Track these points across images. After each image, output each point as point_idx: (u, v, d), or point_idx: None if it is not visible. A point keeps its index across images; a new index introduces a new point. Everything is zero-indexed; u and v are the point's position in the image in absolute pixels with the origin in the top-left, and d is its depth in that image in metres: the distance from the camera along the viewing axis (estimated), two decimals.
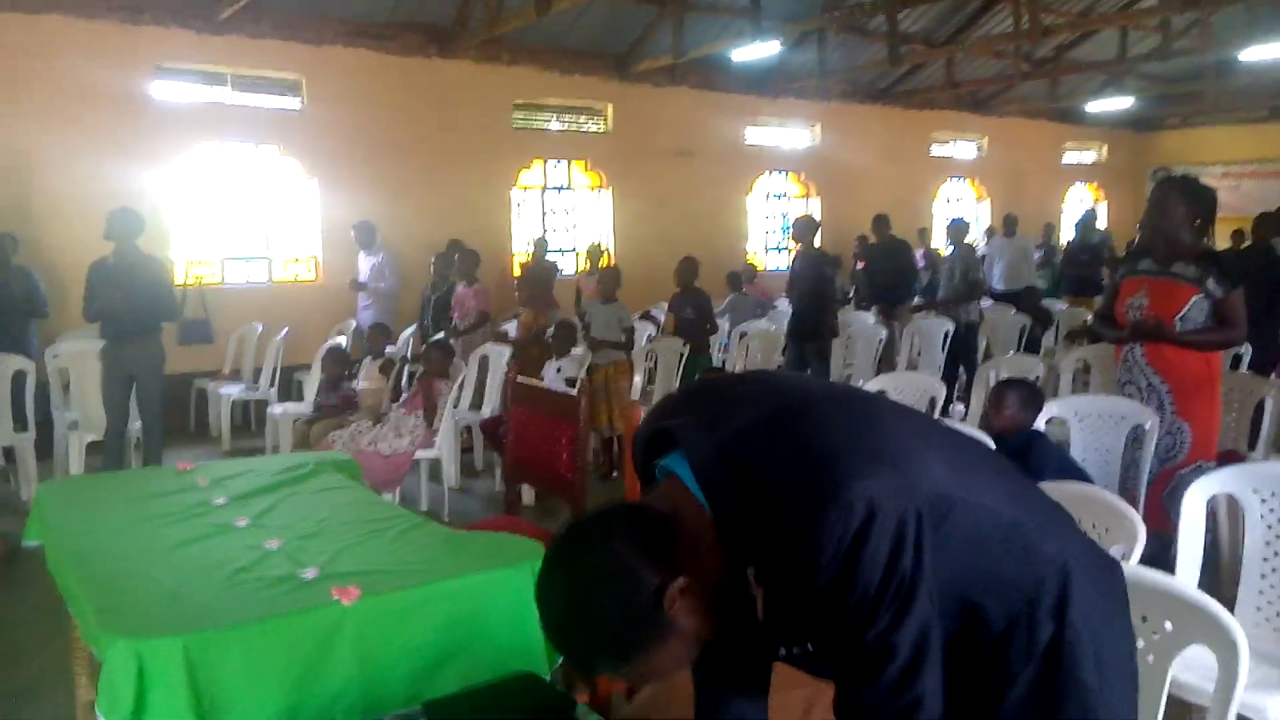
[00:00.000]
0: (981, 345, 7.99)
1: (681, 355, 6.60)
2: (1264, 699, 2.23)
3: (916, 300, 8.92)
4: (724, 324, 8.56)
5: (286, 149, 8.94)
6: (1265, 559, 2.54)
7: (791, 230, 7.38)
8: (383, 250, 8.36)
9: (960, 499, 1.19)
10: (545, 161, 10.74)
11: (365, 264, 8.40)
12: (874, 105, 13.13)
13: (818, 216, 12.82)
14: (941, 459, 1.21)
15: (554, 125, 10.78)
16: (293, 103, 8.99)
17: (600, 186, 11.11)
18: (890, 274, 8.34)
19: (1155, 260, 3.63)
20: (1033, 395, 3.57)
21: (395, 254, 8.48)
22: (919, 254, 11.17)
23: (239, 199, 8.93)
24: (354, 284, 8.29)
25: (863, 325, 8.05)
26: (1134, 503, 3.55)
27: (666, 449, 1.23)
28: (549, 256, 9.13)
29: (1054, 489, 2.53)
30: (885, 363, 7.81)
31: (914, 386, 4.69)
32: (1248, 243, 7.66)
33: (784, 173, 12.76)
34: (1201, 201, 3.59)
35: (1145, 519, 3.43)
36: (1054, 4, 11.32)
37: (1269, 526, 2.54)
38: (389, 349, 6.90)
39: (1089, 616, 1.25)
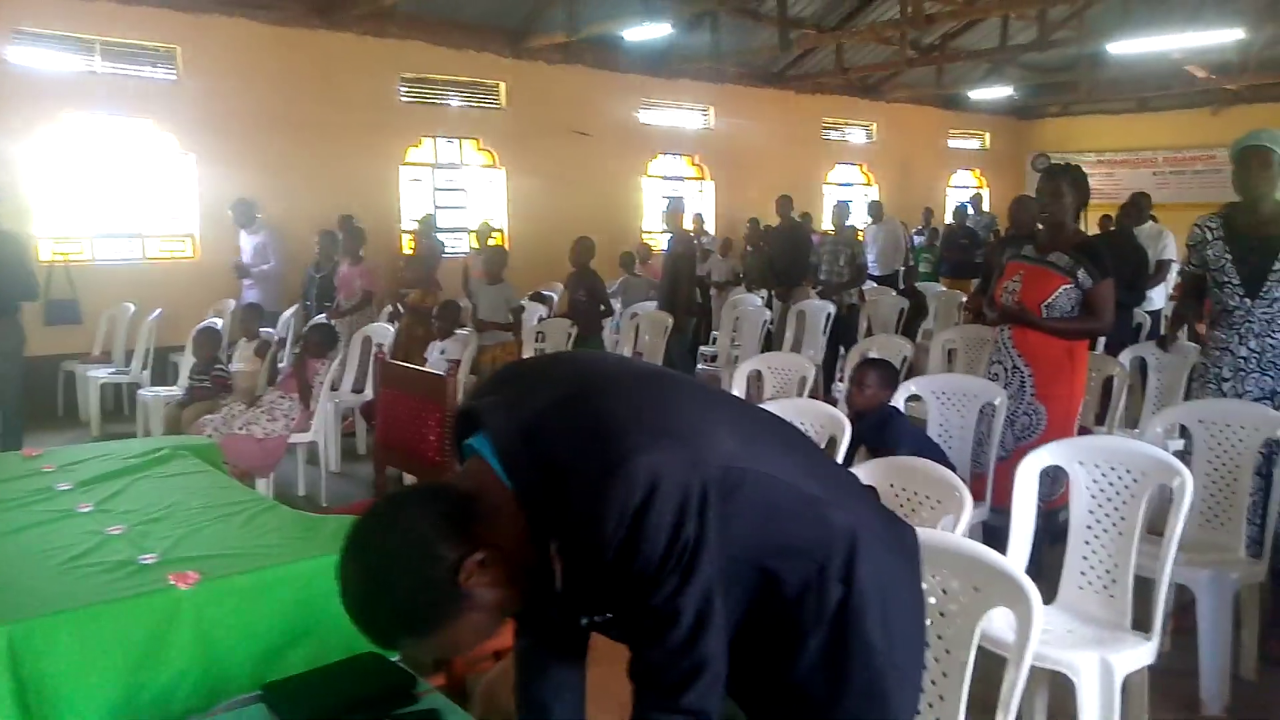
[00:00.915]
0: (862, 327, 8.23)
1: (570, 336, 6.62)
2: (1079, 656, 2.40)
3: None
4: (616, 305, 8.61)
5: (161, 122, 8.57)
6: (1089, 526, 2.71)
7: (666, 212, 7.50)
8: (264, 229, 8.12)
9: (753, 471, 1.26)
10: (436, 139, 10.57)
11: (247, 243, 8.15)
12: (767, 89, 13.31)
13: (711, 199, 13.07)
14: (735, 434, 1.28)
15: (446, 101, 10.60)
16: (167, 74, 8.61)
17: (494, 165, 11.00)
18: (789, 256, 8.51)
19: (1037, 247, 3.83)
20: (889, 374, 3.73)
21: (277, 232, 8.25)
22: (815, 238, 11.43)
23: (110, 174, 8.53)
24: (238, 267, 8.03)
25: (749, 307, 8.19)
26: (984, 475, 3.76)
27: (474, 429, 1.27)
28: (439, 235, 9.01)
29: (894, 463, 2.68)
30: (775, 344, 7.99)
31: (787, 366, 4.81)
32: (1111, 228, 8.08)
33: (679, 155, 12.85)
34: (1084, 190, 3.81)
35: (998, 493, 3.66)
36: None
37: (1092, 496, 2.71)
38: (268, 330, 6.73)
39: (877, 581, 1.34)
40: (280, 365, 6.58)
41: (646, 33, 9.07)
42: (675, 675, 1.19)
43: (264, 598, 2.05)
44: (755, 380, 4.87)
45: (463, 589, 1.17)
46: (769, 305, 8.34)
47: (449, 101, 10.61)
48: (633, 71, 11.64)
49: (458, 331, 6.02)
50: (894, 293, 8.91)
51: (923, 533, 1.97)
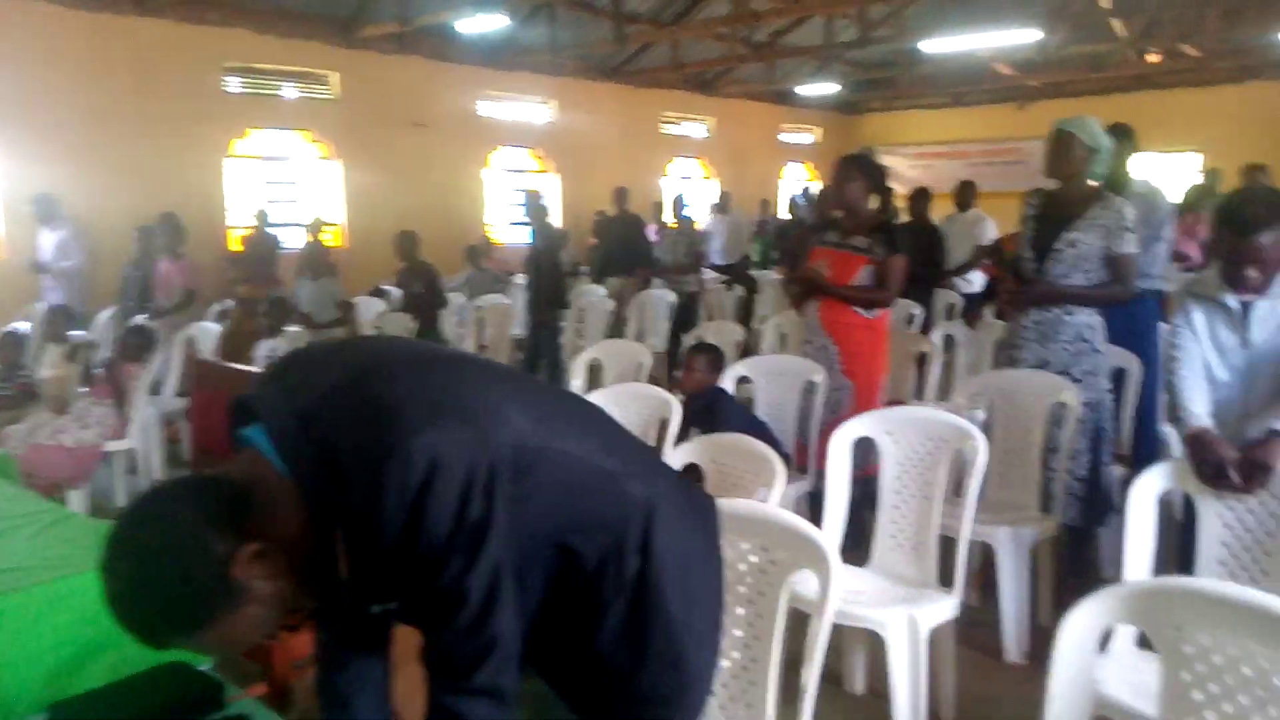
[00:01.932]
0: (703, 315, 8.42)
1: (409, 331, 6.47)
2: (888, 613, 2.55)
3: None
4: (461, 299, 8.49)
5: None
6: (897, 492, 2.88)
7: (526, 207, 7.45)
8: (66, 225, 7.58)
9: (548, 449, 1.27)
10: (266, 130, 10.12)
11: (49, 240, 7.58)
12: (607, 83, 13.40)
13: (556, 192, 13.05)
14: (527, 413, 1.28)
15: (275, 92, 10.16)
16: None
17: (329, 157, 10.62)
18: (624, 246, 8.61)
19: (840, 233, 4.01)
20: (716, 358, 3.85)
21: (81, 228, 7.71)
22: (653, 229, 11.59)
23: None
24: (34, 265, 7.46)
25: (594, 298, 8.24)
26: (806, 448, 3.92)
27: (251, 419, 1.23)
28: (272, 230, 8.64)
29: (716, 441, 2.76)
30: (615, 333, 8.08)
31: (625, 354, 4.88)
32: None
33: (521, 147, 12.77)
34: (875, 175, 4.01)
35: (817, 464, 3.82)
36: None
37: (898, 463, 2.88)
38: (79, 333, 6.29)
39: (674, 550, 1.38)
40: (96, 370, 6.16)
41: (481, 24, 8.96)
42: (466, 656, 1.19)
43: (55, 612, 1.93)
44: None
45: (237, 582, 1.13)
46: (611, 295, 8.41)
47: (278, 92, 10.17)
48: (470, 63, 11.49)
49: (287, 329, 5.80)
50: (731, 281, 9.14)
51: (734, 503, 2.07)
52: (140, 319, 6.35)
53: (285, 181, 10.42)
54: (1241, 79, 13.98)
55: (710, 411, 3.59)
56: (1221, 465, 2.20)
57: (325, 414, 1.17)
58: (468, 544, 1.15)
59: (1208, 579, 2.14)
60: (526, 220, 7.31)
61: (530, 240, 7.11)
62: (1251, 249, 2.32)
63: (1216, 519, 2.24)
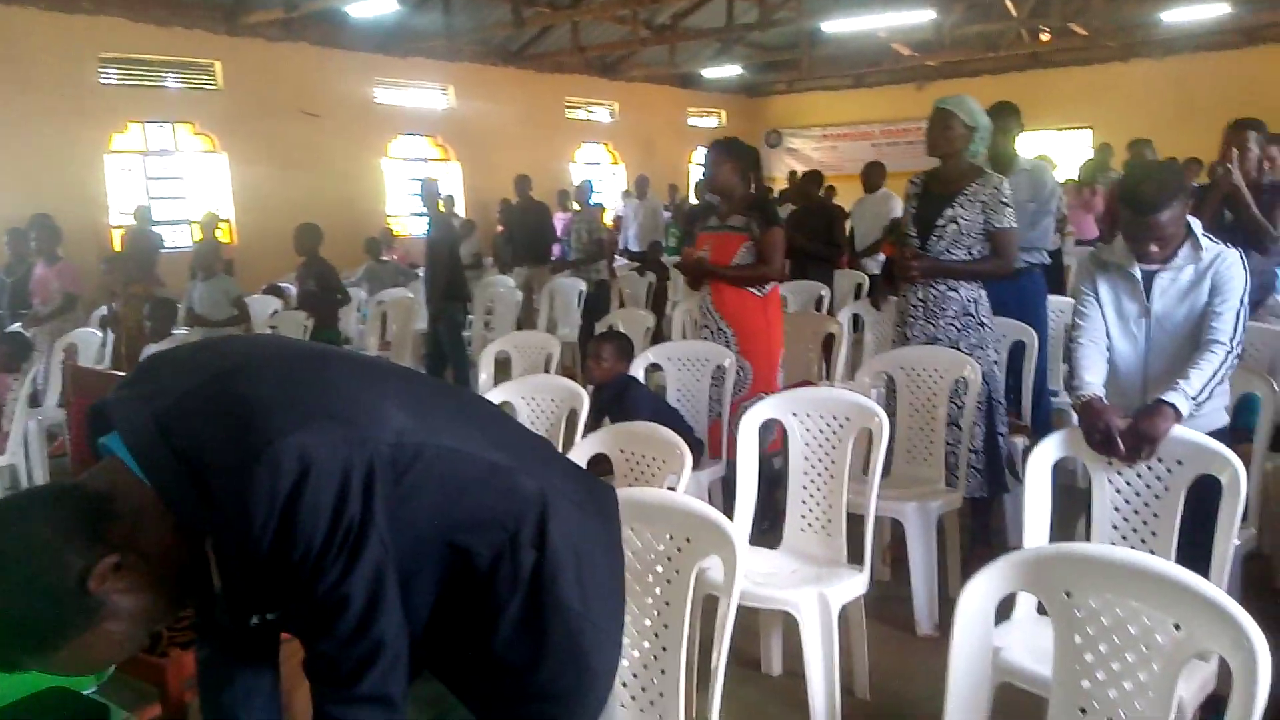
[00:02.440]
0: (615, 302, 8.37)
1: (306, 329, 6.27)
2: (799, 593, 2.55)
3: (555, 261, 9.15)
4: (361, 293, 8.26)
5: None
6: (805, 472, 2.88)
7: (422, 195, 7.26)
8: None
9: (430, 445, 1.21)
10: (146, 124, 9.67)
11: None
12: (507, 68, 13.21)
13: (458, 180, 12.82)
14: (408, 409, 1.22)
15: (155, 83, 9.71)
16: None
17: (214, 150, 10.21)
18: (528, 234, 8.50)
19: (719, 216, 4.02)
20: (624, 346, 3.81)
21: None
22: (560, 217, 11.49)
23: None
24: None
25: (502, 289, 8.12)
26: (719, 431, 3.91)
27: (109, 426, 1.14)
28: (154, 228, 8.27)
29: (623, 429, 2.72)
30: (526, 324, 7.98)
31: (533, 345, 4.79)
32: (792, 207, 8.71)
33: (421, 135, 12.50)
34: (744, 156, 4.02)
35: (728, 446, 3.81)
36: None
37: (806, 444, 2.88)
38: None
39: (571, 543, 1.33)
40: None
41: (371, 8, 8.71)
42: (350, 663, 1.13)
43: None
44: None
45: (94, 597, 1.05)
46: (519, 285, 8.31)
47: (158, 83, 9.72)
48: (363, 49, 11.19)
49: (175, 332, 5.54)
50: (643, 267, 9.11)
51: (639, 492, 2.04)
52: (14, 327, 5.99)
53: (169, 177, 9.98)
54: (1127, 57, 14.55)
55: (620, 400, 3.55)
56: (1110, 433, 2.25)
57: (185, 418, 1.10)
58: (346, 548, 1.09)
59: (1096, 544, 2.19)
60: (424, 210, 7.12)
61: (427, 231, 6.94)
62: (1152, 226, 2.38)
63: (1109, 485, 2.29)
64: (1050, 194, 4.31)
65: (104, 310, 6.88)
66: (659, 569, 1.88)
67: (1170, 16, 11.36)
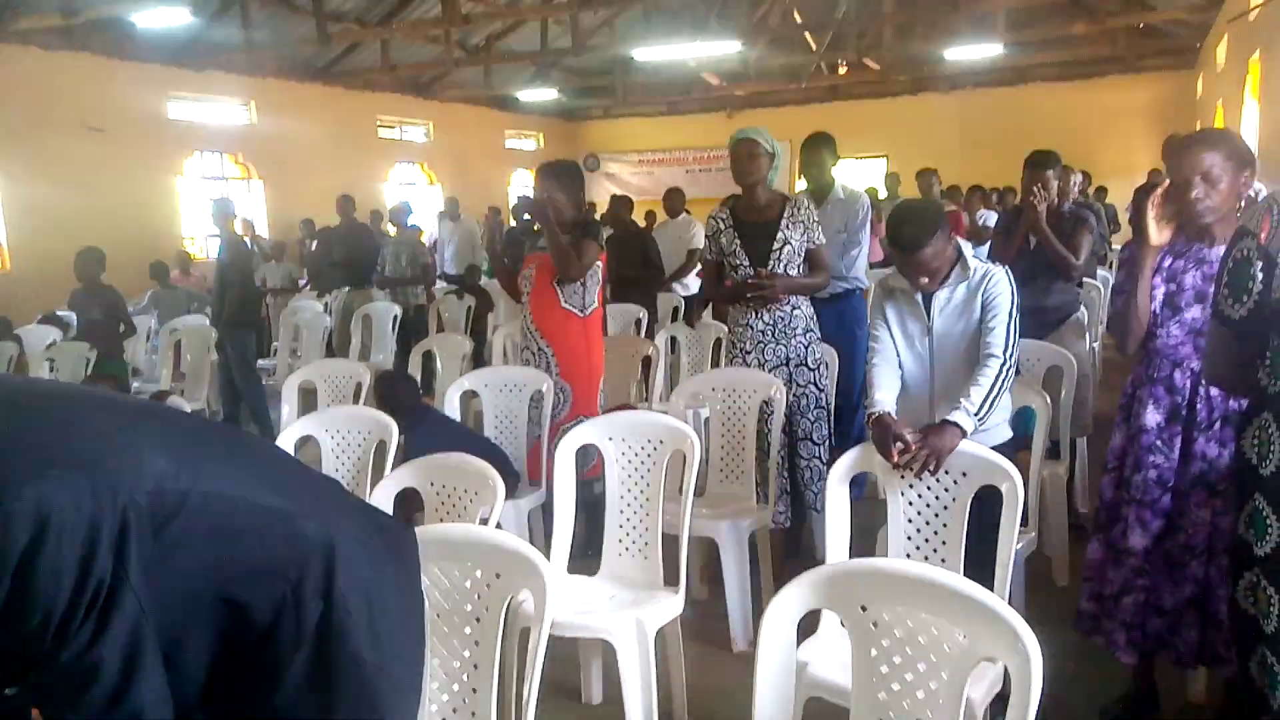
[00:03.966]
0: (432, 326, 8.16)
1: (88, 362, 5.76)
2: (614, 619, 2.53)
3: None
4: (151, 321, 7.69)
5: None
6: (621, 496, 2.87)
7: (213, 215, 6.80)
8: None
9: (196, 492, 1.11)
10: None
11: None
12: (314, 84, 12.73)
13: (260, 199, 12.21)
14: (169, 453, 1.11)
15: None
16: None
17: None
18: (350, 256, 8.16)
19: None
20: (402, 386, 3.78)
21: None
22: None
23: None
24: None
25: (308, 314, 7.76)
26: (539, 456, 3.86)
27: None
28: None
29: (432, 462, 2.62)
30: (340, 350, 7.66)
31: (341, 374, 4.59)
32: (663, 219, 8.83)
33: (220, 152, 11.83)
34: (575, 179, 4.01)
35: (548, 471, 3.76)
36: None
37: (621, 468, 2.88)
38: None
39: (362, 590, 1.25)
40: None
41: (162, 19, 8.15)
42: None
43: None
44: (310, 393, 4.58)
45: None
46: (328, 310, 7.96)
47: None
48: (155, 60, 10.48)
49: None
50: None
51: (444, 528, 1.97)
52: None
53: None
54: (916, 90, 15.68)
55: (414, 431, 3.46)
56: (900, 444, 2.36)
57: None
58: (95, 611, 0.98)
59: (889, 559, 2.29)
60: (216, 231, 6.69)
61: (219, 253, 6.53)
62: (916, 262, 2.56)
63: (901, 497, 2.41)
64: (861, 224, 4.50)
65: None
66: (468, 607, 1.81)
67: (952, 54, 12.31)
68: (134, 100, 10.47)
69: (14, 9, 8.92)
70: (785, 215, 3.58)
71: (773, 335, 3.63)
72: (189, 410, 4.29)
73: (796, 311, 3.64)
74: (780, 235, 3.57)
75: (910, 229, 2.54)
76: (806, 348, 3.65)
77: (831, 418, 3.79)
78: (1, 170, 9.31)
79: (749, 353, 3.67)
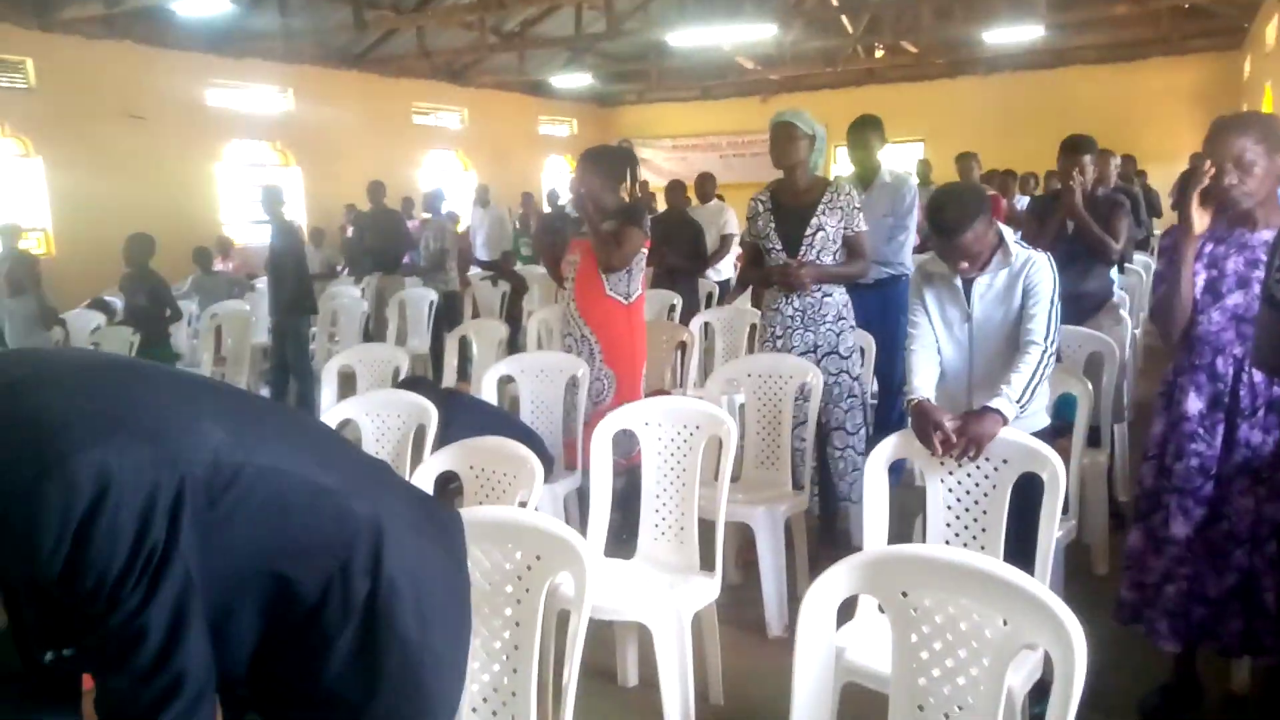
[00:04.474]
0: (467, 312, 8.22)
1: (132, 346, 5.87)
2: (651, 604, 2.55)
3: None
4: (192, 306, 7.81)
5: None
6: (658, 481, 2.89)
7: (262, 202, 6.89)
8: None
9: (250, 466, 1.13)
10: None
11: None
12: (350, 71, 12.82)
13: (299, 186, 12.34)
14: (226, 426, 1.14)
15: None
16: None
17: (28, 154, 9.46)
18: (381, 242, 8.25)
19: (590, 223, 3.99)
20: (426, 387, 3.79)
21: None
22: (413, 224, 11.21)
23: None
24: None
25: (346, 299, 7.84)
26: (574, 441, 3.88)
27: None
28: None
29: (471, 445, 2.65)
30: (377, 335, 7.74)
31: (379, 359, 4.64)
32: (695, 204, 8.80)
33: (258, 140, 11.96)
34: (615, 165, 4.00)
35: (585, 456, 3.79)
36: None
37: (658, 453, 2.89)
38: None
39: (408, 569, 1.27)
40: None
41: (201, 7, 8.24)
42: (145, 701, 1.04)
43: None
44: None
45: None
46: (364, 295, 8.04)
47: None
48: (194, 49, 10.62)
49: None
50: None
51: (486, 510, 1.99)
52: None
53: None
54: (954, 74, 15.46)
55: (455, 419, 3.48)
56: (940, 431, 2.36)
57: None
58: (146, 576, 1.01)
59: (929, 545, 2.28)
60: (266, 218, 6.76)
61: (271, 239, 6.62)
62: (957, 246, 2.53)
63: (941, 485, 2.40)
64: (908, 209, 4.46)
65: None
66: (508, 589, 1.83)
67: (991, 37, 12.12)
68: (174, 88, 10.62)
69: (59, 1, 9.07)
70: (823, 200, 3.56)
71: (801, 321, 3.62)
72: None
73: (828, 299, 3.61)
74: (815, 220, 3.55)
75: (952, 212, 2.51)
76: (838, 335, 3.63)
77: (866, 407, 3.76)
78: (46, 158, 9.50)
79: (780, 337, 3.67)
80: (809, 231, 3.55)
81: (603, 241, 3.74)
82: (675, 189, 7.20)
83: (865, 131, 4.49)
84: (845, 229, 3.57)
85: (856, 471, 3.58)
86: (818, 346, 3.61)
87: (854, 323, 3.70)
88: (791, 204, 3.62)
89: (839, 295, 3.66)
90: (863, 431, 3.66)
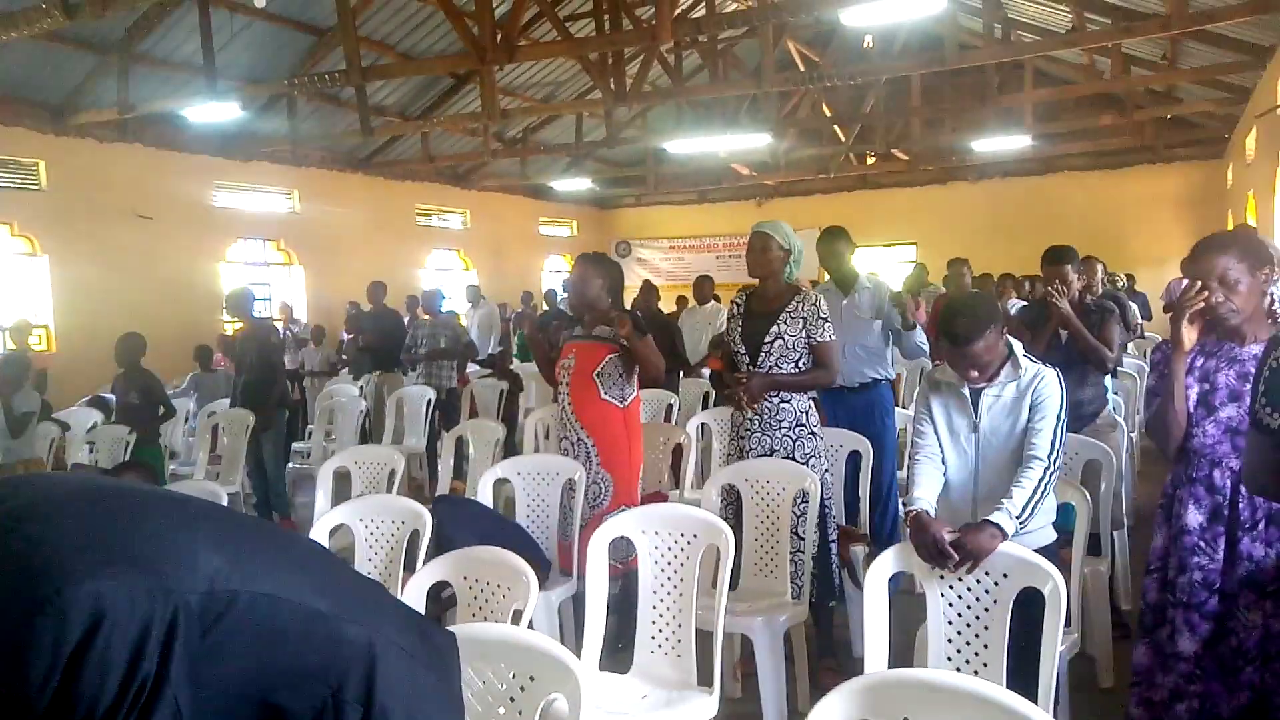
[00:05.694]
0: (465, 410, 8.21)
1: (127, 444, 5.85)
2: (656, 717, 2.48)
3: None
4: (190, 404, 7.81)
5: None
6: (654, 591, 2.84)
7: (225, 305, 6.91)
8: None
9: (245, 593, 1.11)
10: None
11: None
12: (355, 174, 13.12)
13: (301, 285, 12.49)
14: (223, 553, 1.13)
15: None
16: None
17: (34, 252, 9.59)
18: (381, 341, 8.32)
19: (584, 326, 4.03)
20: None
21: None
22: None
23: None
24: None
25: (344, 398, 7.85)
26: (570, 545, 3.83)
27: None
28: None
29: (465, 555, 2.62)
30: (374, 434, 7.72)
31: (375, 460, 4.62)
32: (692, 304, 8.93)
33: (263, 239, 12.16)
34: (612, 271, 4.07)
35: (581, 562, 3.73)
36: (518, 89, 12.34)
37: (654, 561, 2.85)
38: None
39: (400, 695, 1.24)
40: None
41: (212, 113, 8.48)
42: None
43: None
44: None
45: None
46: (363, 394, 8.05)
47: None
48: (203, 152, 10.88)
49: None
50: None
51: (479, 628, 1.96)
52: None
53: None
54: (945, 180, 15.85)
55: (449, 523, 3.45)
56: (938, 545, 2.33)
57: None
58: (135, 708, 0.98)
59: (931, 670, 2.24)
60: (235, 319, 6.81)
61: (240, 340, 6.63)
62: (968, 355, 2.55)
63: (941, 598, 2.37)
64: (890, 312, 4.53)
65: None
66: (501, 710, 1.79)
67: (980, 146, 12.48)
68: (182, 189, 10.85)
69: (73, 105, 9.34)
70: (787, 309, 3.59)
71: (759, 425, 3.62)
72: (224, 494, 4.31)
73: (785, 405, 3.59)
74: (775, 329, 3.57)
75: (964, 323, 2.54)
76: (795, 441, 3.59)
77: (827, 513, 3.66)
78: (53, 256, 9.63)
79: (740, 439, 3.67)
80: (768, 339, 3.58)
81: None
82: (648, 291, 7.31)
83: (834, 242, 4.61)
84: (809, 338, 3.57)
85: (808, 574, 3.48)
86: (774, 451, 3.58)
87: (814, 430, 3.66)
88: (760, 310, 3.67)
89: (798, 402, 3.62)
90: (818, 536, 3.54)
